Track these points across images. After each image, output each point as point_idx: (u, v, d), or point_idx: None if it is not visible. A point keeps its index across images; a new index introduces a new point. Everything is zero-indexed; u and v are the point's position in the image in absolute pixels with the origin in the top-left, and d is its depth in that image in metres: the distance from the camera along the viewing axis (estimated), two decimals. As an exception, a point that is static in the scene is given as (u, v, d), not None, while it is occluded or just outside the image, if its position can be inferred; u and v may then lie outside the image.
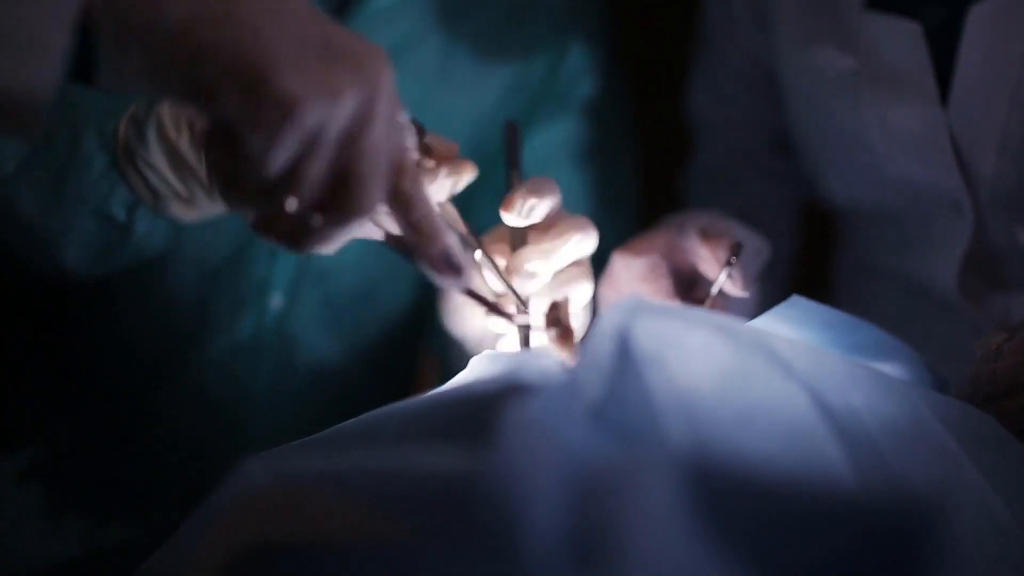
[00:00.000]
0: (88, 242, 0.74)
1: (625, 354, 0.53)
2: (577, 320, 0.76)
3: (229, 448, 0.92)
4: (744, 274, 0.76)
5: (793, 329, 0.66)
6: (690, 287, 0.79)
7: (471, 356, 0.79)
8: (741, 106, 1.02)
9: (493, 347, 0.76)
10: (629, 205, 1.01)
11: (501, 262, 0.71)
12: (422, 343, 1.02)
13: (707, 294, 0.76)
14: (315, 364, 0.94)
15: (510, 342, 0.73)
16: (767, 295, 0.92)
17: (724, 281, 0.75)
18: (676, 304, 0.76)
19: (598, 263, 0.78)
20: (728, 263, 0.75)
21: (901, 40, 0.83)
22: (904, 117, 0.84)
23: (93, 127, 0.69)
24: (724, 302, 0.78)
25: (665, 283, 0.77)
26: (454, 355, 0.85)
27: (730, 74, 1.01)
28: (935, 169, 0.84)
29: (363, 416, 0.60)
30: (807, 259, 1.05)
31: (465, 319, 0.79)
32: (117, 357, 0.93)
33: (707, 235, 0.77)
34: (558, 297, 0.72)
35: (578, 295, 0.73)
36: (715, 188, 1.03)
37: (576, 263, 0.73)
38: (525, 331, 0.71)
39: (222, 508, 0.50)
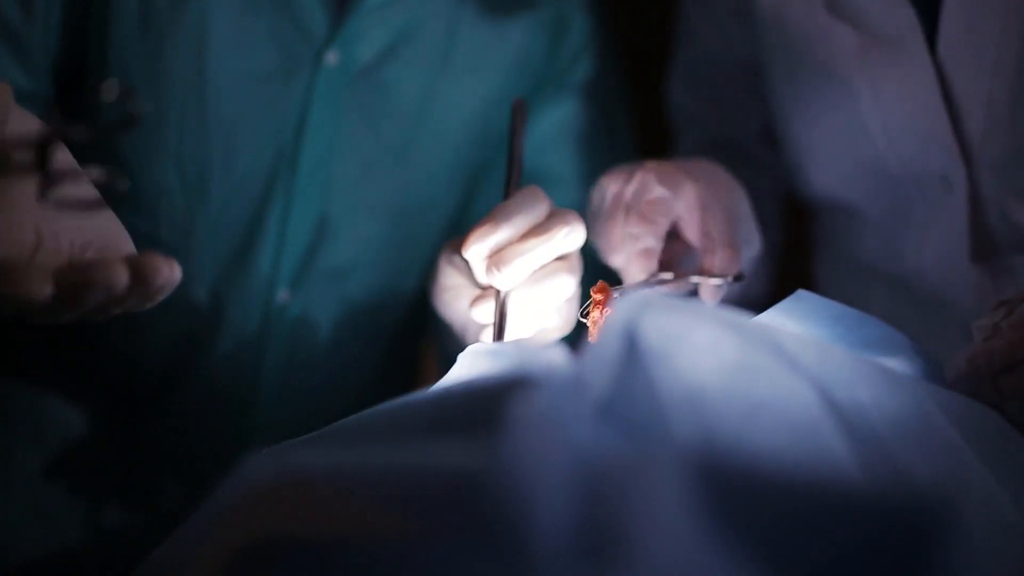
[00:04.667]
0: None
1: (632, 349, 0.52)
2: (559, 314, 0.75)
3: (238, 441, 0.92)
4: (717, 294, 0.77)
5: (799, 324, 0.66)
6: (671, 238, 0.79)
7: (458, 340, 0.79)
8: (723, 98, 1.01)
9: (476, 332, 0.76)
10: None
11: (483, 255, 0.71)
12: (426, 332, 1.02)
13: (680, 267, 0.77)
14: (325, 359, 0.94)
15: (488, 334, 0.74)
16: (753, 288, 0.92)
17: (703, 283, 0.76)
18: (655, 243, 0.76)
19: (590, 252, 0.78)
20: (719, 276, 0.76)
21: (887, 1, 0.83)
22: (895, 78, 0.84)
23: None
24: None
25: (663, 221, 0.77)
26: (447, 340, 0.86)
27: (712, 66, 1.01)
28: (928, 131, 0.84)
29: (369, 411, 0.60)
30: (788, 259, 1.04)
31: (447, 303, 0.79)
32: (130, 350, 0.93)
33: (728, 243, 0.77)
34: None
35: (559, 289, 0.73)
36: None
37: (560, 256, 0.72)
38: (500, 321, 0.71)
39: (227, 502, 0.50)
